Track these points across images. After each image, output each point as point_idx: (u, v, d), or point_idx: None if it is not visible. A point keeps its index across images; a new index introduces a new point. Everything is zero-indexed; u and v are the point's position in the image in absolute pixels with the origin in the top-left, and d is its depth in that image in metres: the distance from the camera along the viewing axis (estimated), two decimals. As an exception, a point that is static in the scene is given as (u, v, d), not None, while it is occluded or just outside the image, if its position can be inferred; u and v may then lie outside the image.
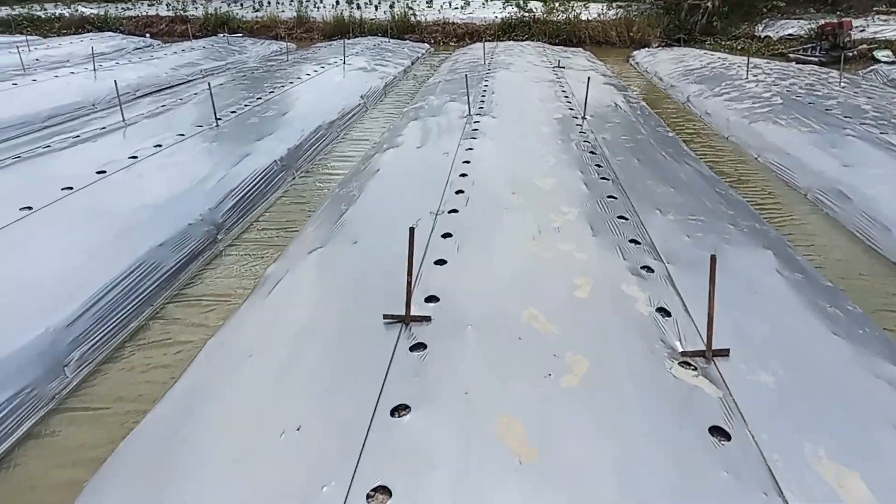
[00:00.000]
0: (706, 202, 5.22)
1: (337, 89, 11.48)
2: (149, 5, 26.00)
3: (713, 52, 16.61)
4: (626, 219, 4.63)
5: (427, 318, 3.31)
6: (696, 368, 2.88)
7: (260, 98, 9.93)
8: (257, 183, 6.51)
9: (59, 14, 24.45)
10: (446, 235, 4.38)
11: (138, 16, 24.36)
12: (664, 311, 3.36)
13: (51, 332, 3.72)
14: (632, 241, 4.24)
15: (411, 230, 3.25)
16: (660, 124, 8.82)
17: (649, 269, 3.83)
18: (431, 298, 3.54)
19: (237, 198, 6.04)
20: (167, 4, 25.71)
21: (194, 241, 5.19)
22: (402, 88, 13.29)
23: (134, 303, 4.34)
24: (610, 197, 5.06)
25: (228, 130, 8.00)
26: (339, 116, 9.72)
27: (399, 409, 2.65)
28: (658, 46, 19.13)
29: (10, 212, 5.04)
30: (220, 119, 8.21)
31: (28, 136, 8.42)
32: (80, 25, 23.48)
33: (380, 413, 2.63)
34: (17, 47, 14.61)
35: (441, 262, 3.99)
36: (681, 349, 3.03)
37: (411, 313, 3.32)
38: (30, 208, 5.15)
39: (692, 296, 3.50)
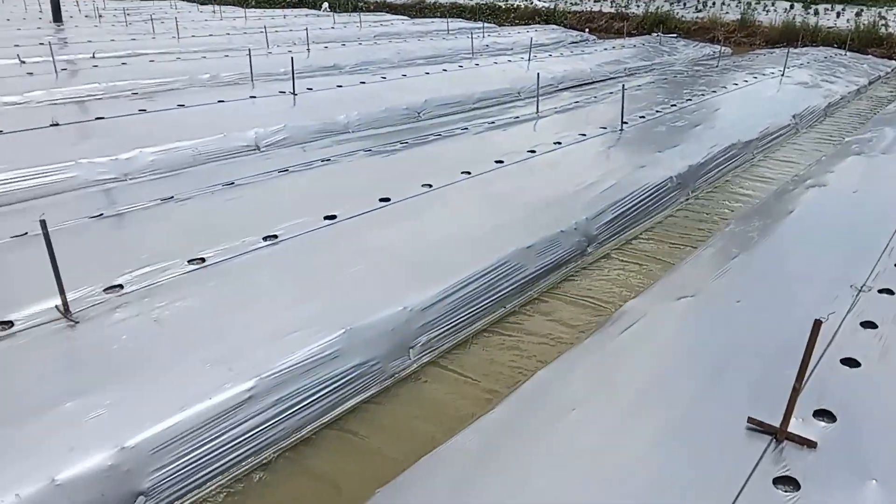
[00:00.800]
0: None
1: (765, 104, 10.10)
2: (594, 1, 27.00)
3: None
4: None
5: (811, 444, 2.42)
6: None
7: (674, 105, 9.27)
8: (645, 199, 5.97)
9: (516, 5, 27.04)
10: (868, 325, 3.26)
11: (582, 11, 25.49)
12: None
13: (407, 311, 3.83)
14: None
15: (817, 323, 2.37)
16: None
17: None
18: (824, 413, 2.60)
19: (618, 211, 5.60)
20: (611, 1, 26.34)
21: (561, 249, 4.94)
22: (848, 112, 11.10)
23: (486, 302, 4.27)
24: None
25: (631, 136, 7.60)
26: (760, 136, 8.48)
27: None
28: None
29: (413, 186, 5.49)
30: (625, 123, 7.86)
31: (457, 116, 9.35)
32: (531, 17, 25.61)
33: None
34: (473, 33, 16.50)
35: (852, 362, 2.95)
36: None
37: (789, 428, 2.47)
38: (430, 186, 5.55)
39: None
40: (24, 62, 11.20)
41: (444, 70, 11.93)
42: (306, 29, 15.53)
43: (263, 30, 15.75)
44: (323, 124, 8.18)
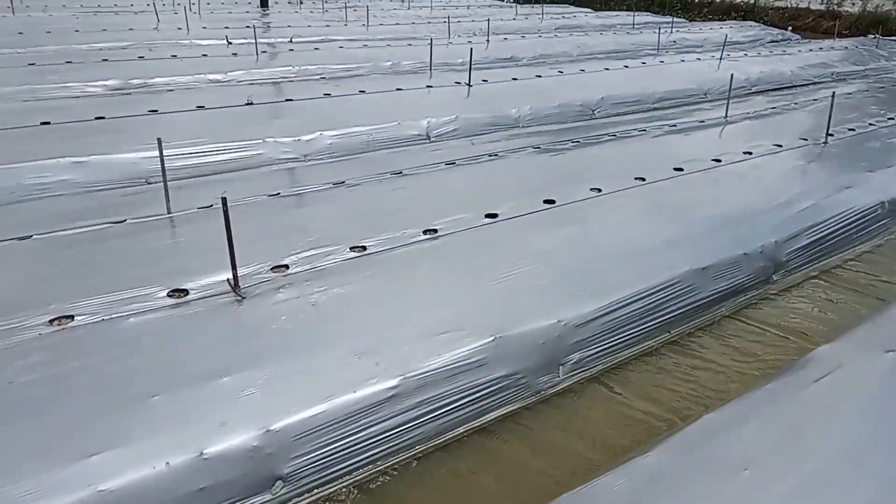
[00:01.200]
0: None
1: None
2: (803, -4, 24.53)
3: None
4: None
5: None
6: None
7: (892, 118, 8.08)
8: (848, 225, 5.22)
9: (710, 0, 25.26)
10: None
11: (786, 7, 23.27)
12: None
13: (560, 325, 3.60)
14: None
15: None
16: None
17: None
18: None
19: (813, 237, 4.93)
20: (822, -2, 23.79)
21: (742, 274, 4.43)
22: None
23: (650, 324, 3.92)
24: None
25: (836, 151, 6.71)
26: None
27: None
28: None
29: (581, 189, 5.22)
30: (831, 135, 6.95)
31: (635, 116, 8.84)
32: (726, 12, 23.83)
33: None
34: (660, 28, 15.60)
35: None
36: None
37: None
38: (598, 190, 5.24)
39: None
40: (230, 43, 12.24)
41: (626, 66, 11.37)
42: (488, 20, 15.55)
43: (446, 20, 16.00)
44: (494, 117, 8.07)
